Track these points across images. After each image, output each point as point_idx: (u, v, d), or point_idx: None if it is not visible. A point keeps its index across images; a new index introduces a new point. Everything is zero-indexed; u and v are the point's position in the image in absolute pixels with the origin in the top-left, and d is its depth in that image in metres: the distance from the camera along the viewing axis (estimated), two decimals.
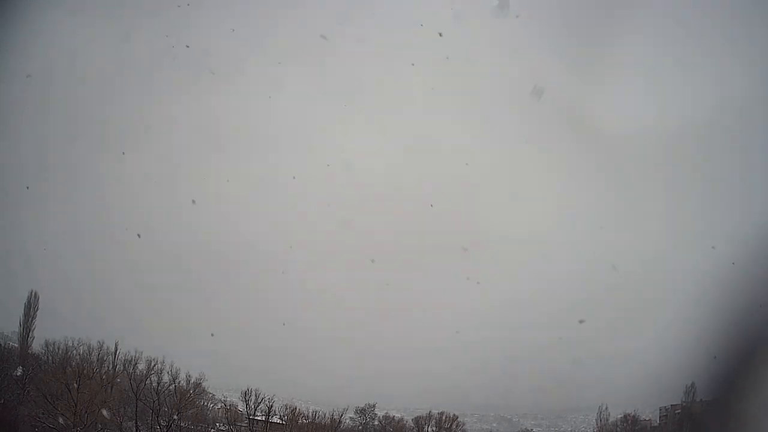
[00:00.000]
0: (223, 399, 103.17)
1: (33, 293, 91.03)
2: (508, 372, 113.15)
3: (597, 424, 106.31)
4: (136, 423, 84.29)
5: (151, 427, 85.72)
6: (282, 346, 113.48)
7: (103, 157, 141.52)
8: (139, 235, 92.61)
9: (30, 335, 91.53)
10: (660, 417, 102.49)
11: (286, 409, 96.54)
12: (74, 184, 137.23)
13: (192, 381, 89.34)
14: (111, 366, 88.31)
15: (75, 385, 76.60)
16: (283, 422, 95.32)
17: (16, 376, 78.23)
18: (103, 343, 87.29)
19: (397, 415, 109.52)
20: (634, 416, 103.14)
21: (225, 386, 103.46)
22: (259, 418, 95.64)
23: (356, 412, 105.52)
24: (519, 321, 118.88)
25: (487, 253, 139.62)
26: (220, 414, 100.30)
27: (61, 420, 73.82)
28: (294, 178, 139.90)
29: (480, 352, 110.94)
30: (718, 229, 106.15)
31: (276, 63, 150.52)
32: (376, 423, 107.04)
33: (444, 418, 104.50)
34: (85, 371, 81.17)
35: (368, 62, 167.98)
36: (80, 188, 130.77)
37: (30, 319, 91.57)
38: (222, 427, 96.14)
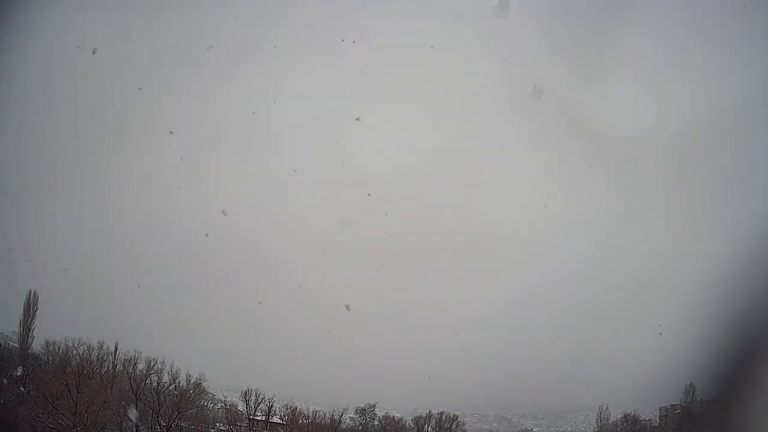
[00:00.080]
0: (223, 399, 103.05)
1: (33, 293, 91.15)
2: (508, 372, 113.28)
3: (597, 424, 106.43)
4: (136, 423, 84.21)
5: (151, 428, 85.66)
6: (282, 346, 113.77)
7: (103, 157, 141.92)
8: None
9: (30, 335, 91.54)
10: (660, 417, 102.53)
11: (287, 409, 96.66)
12: (74, 183, 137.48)
13: (192, 381, 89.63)
14: (111, 366, 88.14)
15: (75, 385, 76.60)
16: (283, 422, 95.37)
17: (16, 376, 78.11)
18: (103, 343, 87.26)
19: (397, 415, 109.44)
20: (634, 416, 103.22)
21: (225, 386, 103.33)
22: (259, 418, 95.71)
23: (356, 412, 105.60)
24: (519, 321, 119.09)
25: (487, 253, 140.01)
26: (220, 414, 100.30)
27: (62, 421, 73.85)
28: (294, 170, 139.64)
29: (480, 352, 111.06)
30: (718, 229, 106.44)
31: (277, 63, 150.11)
32: (376, 423, 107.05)
33: (444, 418, 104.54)
34: (85, 371, 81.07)
35: (368, 62, 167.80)
36: (80, 188, 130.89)
37: (30, 319, 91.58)
38: (222, 427, 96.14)
